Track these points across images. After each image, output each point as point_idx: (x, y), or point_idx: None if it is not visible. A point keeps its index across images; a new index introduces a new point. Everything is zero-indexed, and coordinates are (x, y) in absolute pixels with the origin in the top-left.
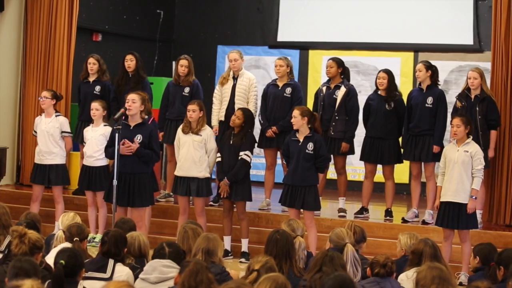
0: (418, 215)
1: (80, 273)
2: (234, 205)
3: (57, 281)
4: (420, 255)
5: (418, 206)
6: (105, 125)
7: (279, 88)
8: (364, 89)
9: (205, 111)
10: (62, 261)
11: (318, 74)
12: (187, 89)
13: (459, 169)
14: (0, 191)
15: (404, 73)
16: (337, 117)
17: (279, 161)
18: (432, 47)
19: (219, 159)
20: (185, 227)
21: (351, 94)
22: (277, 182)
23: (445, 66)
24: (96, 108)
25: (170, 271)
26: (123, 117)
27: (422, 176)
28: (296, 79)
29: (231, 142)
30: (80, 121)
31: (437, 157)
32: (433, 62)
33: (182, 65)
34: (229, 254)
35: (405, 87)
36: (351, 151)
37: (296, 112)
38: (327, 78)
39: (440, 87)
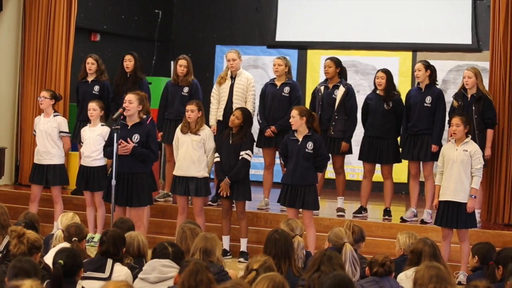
0: (417, 214)
1: (79, 273)
2: (233, 205)
3: (56, 281)
4: (419, 255)
5: (417, 205)
6: (102, 125)
7: (277, 87)
8: (362, 89)
9: (203, 111)
10: (61, 261)
11: (316, 73)
12: (186, 89)
13: (458, 168)
14: None
15: (403, 73)
16: (336, 117)
17: (277, 160)
18: (430, 46)
19: (218, 159)
20: (183, 227)
21: (350, 93)
22: (275, 181)
23: (443, 65)
24: (94, 108)
25: (169, 270)
26: (122, 117)
27: (420, 176)
28: (294, 79)
29: (230, 142)
30: (78, 121)
31: (435, 156)
32: (431, 62)
33: (181, 65)
34: (228, 254)
35: (403, 87)
36: (350, 151)
37: (294, 112)
38: (325, 78)
39: (438, 86)
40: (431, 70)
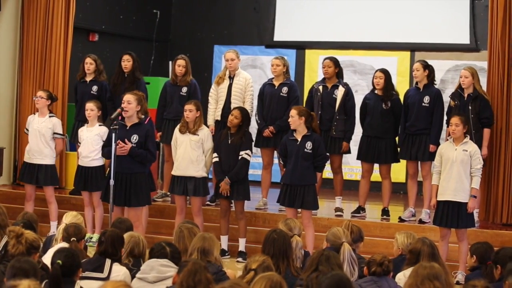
0: (415, 214)
1: (77, 273)
2: (231, 205)
3: (54, 281)
4: (418, 254)
5: (415, 205)
6: (100, 125)
7: (275, 87)
8: (360, 89)
9: (202, 111)
10: (59, 261)
11: (314, 73)
12: (184, 89)
13: (458, 168)
14: None
15: (401, 73)
16: (337, 117)
17: (275, 160)
18: (428, 46)
19: (216, 159)
20: (181, 227)
21: (350, 93)
22: (273, 181)
23: (441, 65)
24: (91, 109)
25: (168, 270)
26: (120, 117)
27: (418, 175)
28: (292, 79)
29: (229, 142)
30: (77, 121)
31: (433, 156)
32: (429, 62)
33: (180, 65)
34: (226, 254)
35: (401, 87)
36: (348, 151)
37: (293, 112)
38: (322, 77)
39: (436, 86)
40: (429, 70)
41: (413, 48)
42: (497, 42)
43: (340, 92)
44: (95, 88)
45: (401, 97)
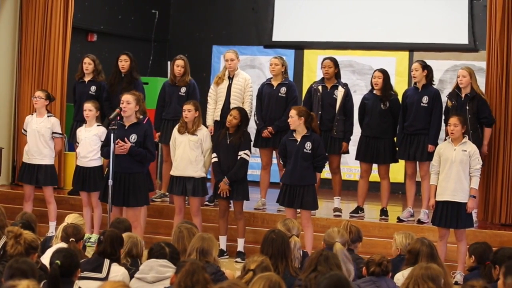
0: (414, 214)
1: (76, 273)
2: (230, 205)
3: (53, 281)
4: (416, 255)
5: (413, 205)
6: (98, 125)
7: (274, 87)
8: (359, 89)
9: (201, 111)
10: (58, 261)
11: (313, 73)
12: (183, 89)
13: (457, 169)
14: None
15: (399, 73)
16: (338, 117)
17: (274, 161)
18: (427, 46)
19: (215, 159)
20: (180, 227)
21: (350, 94)
22: (272, 181)
23: (440, 65)
24: (89, 109)
25: (167, 270)
26: (118, 117)
27: (417, 175)
28: (291, 79)
29: (228, 142)
30: (75, 121)
31: (432, 156)
32: (428, 62)
33: (178, 65)
34: (225, 254)
35: (400, 87)
36: (347, 151)
37: (293, 112)
38: (321, 77)
39: (435, 86)
40: (428, 70)
41: (411, 48)
42: (495, 42)
43: (340, 93)
44: (93, 88)
45: (400, 97)
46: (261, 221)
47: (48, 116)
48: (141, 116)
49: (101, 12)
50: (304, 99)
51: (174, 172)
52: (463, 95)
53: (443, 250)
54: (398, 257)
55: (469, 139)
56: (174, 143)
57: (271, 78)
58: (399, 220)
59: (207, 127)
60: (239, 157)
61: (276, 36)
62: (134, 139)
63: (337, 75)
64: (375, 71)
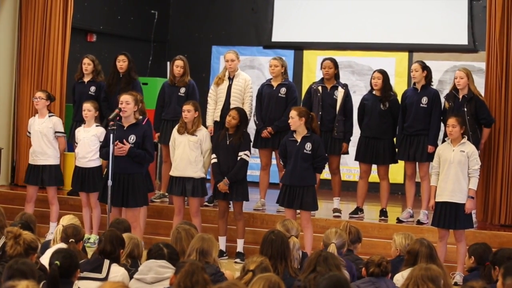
0: (413, 215)
1: (75, 273)
2: (230, 206)
3: (52, 281)
4: (416, 255)
5: (413, 206)
6: (97, 126)
7: (274, 88)
8: (358, 89)
9: (200, 112)
10: (57, 262)
11: (312, 74)
12: (182, 90)
13: (456, 169)
14: None
15: (399, 73)
16: (338, 118)
17: (274, 161)
18: (426, 47)
19: (215, 160)
20: (178, 228)
21: (349, 95)
22: (272, 182)
23: (439, 66)
24: (88, 109)
25: (166, 271)
26: (118, 118)
27: (416, 176)
28: (290, 79)
29: (227, 143)
30: (74, 122)
31: (431, 157)
32: (427, 62)
33: (178, 66)
34: (224, 255)
35: (399, 87)
36: (346, 151)
37: (293, 113)
38: (320, 78)
39: (434, 87)
40: (428, 71)
41: (411, 48)
42: (495, 43)
43: (340, 93)
44: (93, 88)
45: (399, 98)
46: (260, 222)
47: (49, 116)
48: (140, 117)
49: (101, 12)
50: (303, 100)
51: (174, 172)
52: (460, 97)
53: (443, 251)
54: (398, 258)
55: (469, 139)
56: (174, 144)
57: (271, 78)
58: (399, 221)
59: (206, 127)
60: (239, 157)
61: (276, 37)
62: (133, 140)
63: (337, 76)
64: (374, 71)
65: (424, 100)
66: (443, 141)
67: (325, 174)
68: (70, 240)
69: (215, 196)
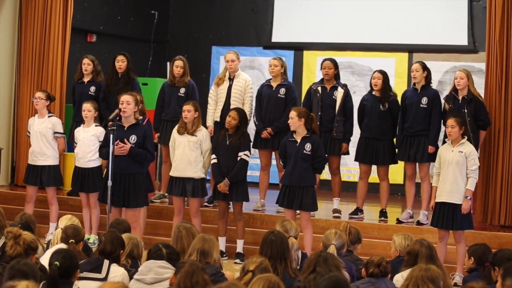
0: (413, 215)
1: (75, 274)
2: (230, 206)
3: (51, 282)
4: (416, 256)
5: (413, 206)
6: (96, 126)
7: (273, 88)
8: (358, 90)
9: (200, 112)
10: (57, 262)
11: (312, 74)
12: (182, 90)
13: (454, 170)
14: None
15: (399, 74)
16: (337, 118)
17: (273, 161)
18: (426, 47)
19: (215, 160)
20: (179, 227)
21: (349, 95)
22: (271, 182)
23: (439, 66)
24: (88, 109)
25: (165, 271)
26: (118, 118)
27: (416, 177)
28: (290, 80)
29: (227, 143)
30: (74, 122)
31: (432, 157)
32: (427, 63)
33: (177, 66)
34: (224, 255)
35: (399, 88)
36: (347, 152)
37: (293, 113)
38: (320, 78)
39: (434, 87)
40: (428, 71)
41: (411, 49)
42: (495, 43)
43: (339, 94)
44: (92, 89)
45: (399, 98)
46: (260, 222)
47: (49, 117)
48: (141, 117)
49: (101, 12)
50: (303, 100)
51: (174, 173)
52: (460, 98)
53: (442, 252)
54: (397, 259)
55: (469, 141)
56: (174, 144)
57: (270, 79)
58: (398, 221)
59: (207, 128)
60: (238, 158)
61: (276, 37)
62: (134, 140)
63: (337, 76)
64: (374, 72)
65: (424, 100)
66: (443, 142)
67: (325, 174)
68: (70, 240)
69: (215, 197)
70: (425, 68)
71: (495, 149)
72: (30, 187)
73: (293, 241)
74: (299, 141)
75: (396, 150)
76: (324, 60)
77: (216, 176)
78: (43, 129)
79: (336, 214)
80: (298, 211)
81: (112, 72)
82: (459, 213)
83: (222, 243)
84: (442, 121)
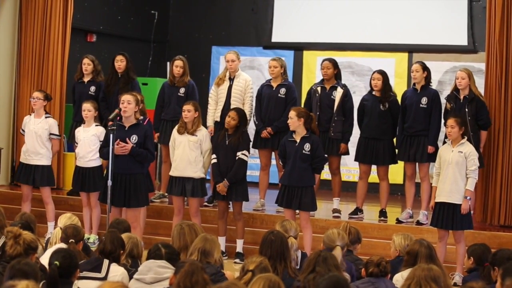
0: (413, 215)
1: (75, 273)
2: (229, 206)
3: (51, 281)
4: (415, 256)
5: (412, 206)
6: (96, 125)
7: (273, 89)
8: (358, 90)
9: (200, 112)
10: (57, 262)
11: (312, 74)
12: (182, 90)
13: (453, 170)
14: None
15: (398, 74)
16: (336, 118)
17: (273, 161)
18: (426, 47)
19: (215, 160)
20: (182, 224)
21: (349, 95)
22: (271, 182)
23: (439, 66)
24: (88, 109)
25: (165, 271)
26: (118, 118)
27: (416, 177)
28: (290, 80)
29: (227, 143)
30: (74, 122)
31: (431, 157)
32: (427, 63)
33: (177, 66)
34: (224, 255)
35: (399, 88)
36: (347, 152)
37: (292, 113)
38: (320, 79)
39: (434, 87)
40: (428, 71)
41: (411, 49)
42: (495, 43)
43: (338, 93)
44: (92, 88)
45: (399, 99)
46: (260, 222)
47: (46, 117)
48: (141, 117)
49: (101, 12)
50: (304, 101)
51: (173, 172)
52: (461, 97)
53: (442, 252)
54: (397, 258)
55: (469, 141)
56: (174, 144)
57: (270, 79)
58: (398, 221)
59: (207, 128)
60: (237, 157)
61: (276, 37)
62: (135, 140)
63: (337, 76)
64: (374, 72)
65: (424, 100)
66: (444, 142)
67: (325, 174)
68: (70, 240)
69: (215, 196)
70: (425, 68)
71: (495, 149)
72: (25, 186)
73: (293, 241)
74: (298, 141)
75: (396, 150)
76: (324, 60)
77: (216, 176)
78: (39, 130)
79: (336, 214)
80: (297, 211)
81: (112, 72)
82: (458, 213)
83: (222, 243)
84: (442, 121)
